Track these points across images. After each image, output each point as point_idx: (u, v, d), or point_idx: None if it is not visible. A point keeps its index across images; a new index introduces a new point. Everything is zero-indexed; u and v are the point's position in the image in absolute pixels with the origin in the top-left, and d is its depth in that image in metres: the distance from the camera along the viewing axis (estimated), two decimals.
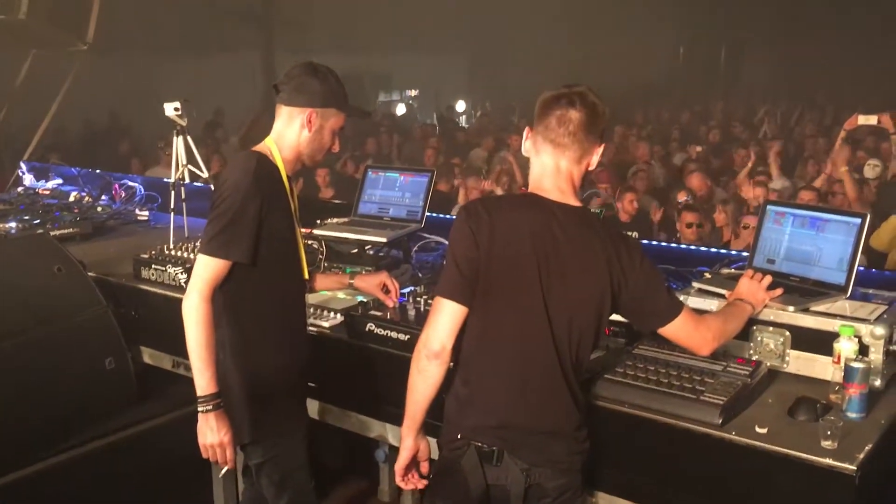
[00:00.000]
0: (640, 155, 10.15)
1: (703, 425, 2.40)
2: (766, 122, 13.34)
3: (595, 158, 2.42)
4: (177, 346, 3.04)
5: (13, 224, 4.65)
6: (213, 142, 10.75)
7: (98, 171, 5.91)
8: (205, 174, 4.17)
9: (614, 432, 2.57)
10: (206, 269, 2.64)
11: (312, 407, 3.22)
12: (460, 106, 18.63)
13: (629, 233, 3.46)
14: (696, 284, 2.98)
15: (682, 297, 2.88)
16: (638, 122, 14.15)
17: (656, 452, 2.52)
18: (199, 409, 2.67)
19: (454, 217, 2.57)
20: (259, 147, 2.79)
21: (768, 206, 3.06)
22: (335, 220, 3.97)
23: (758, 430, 2.35)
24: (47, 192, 5.65)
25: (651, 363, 2.67)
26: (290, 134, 2.77)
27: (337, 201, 6.26)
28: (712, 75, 20.52)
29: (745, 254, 3.34)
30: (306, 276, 2.94)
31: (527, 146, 2.46)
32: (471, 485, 2.39)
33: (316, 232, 3.86)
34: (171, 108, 3.93)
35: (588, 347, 2.42)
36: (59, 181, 5.85)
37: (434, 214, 4.07)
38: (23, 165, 6.40)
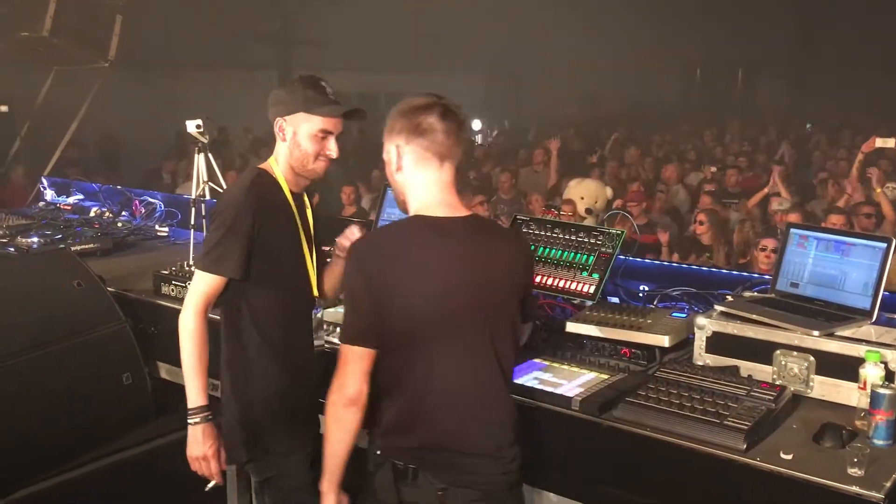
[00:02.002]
0: (667, 176, 10.09)
1: (726, 450, 2.37)
2: (786, 147, 13.26)
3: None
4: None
5: (35, 239, 4.68)
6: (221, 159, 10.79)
7: (119, 186, 5.95)
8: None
9: (635, 456, 2.54)
10: (200, 283, 2.69)
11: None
12: (476, 125, 18.67)
13: None
14: (717, 307, 2.96)
15: (704, 320, 2.90)
16: (655, 142, 14.17)
17: (678, 477, 2.49)
18: (188, 420, 2.71)
19: None
20: (264, 163, 2.82)
21: (791, 230, 3.05)
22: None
23: (783, 456, 2.33)
24: (68, 208, 5.69)
25: (673, 386, 2.64)
26: (279, 148, 2.78)
27: (354, 220, 6.25)
28: (729, 96, 20.50)
29: (766, 277, 3.33)
30: (316, 293, 2.90)
31: (401, 163, 2.35)
32: (382, 502, 2.37)
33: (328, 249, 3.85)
34: (192, 126, 3.95)
35: (511, 360, 2.42)
36: (80, 196, 5.89)
37: None
38: (44, 181, 6.45)
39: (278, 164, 2.78)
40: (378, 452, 2.38)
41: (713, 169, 10.71)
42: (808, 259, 2.97)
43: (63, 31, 8.08)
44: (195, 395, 2.70)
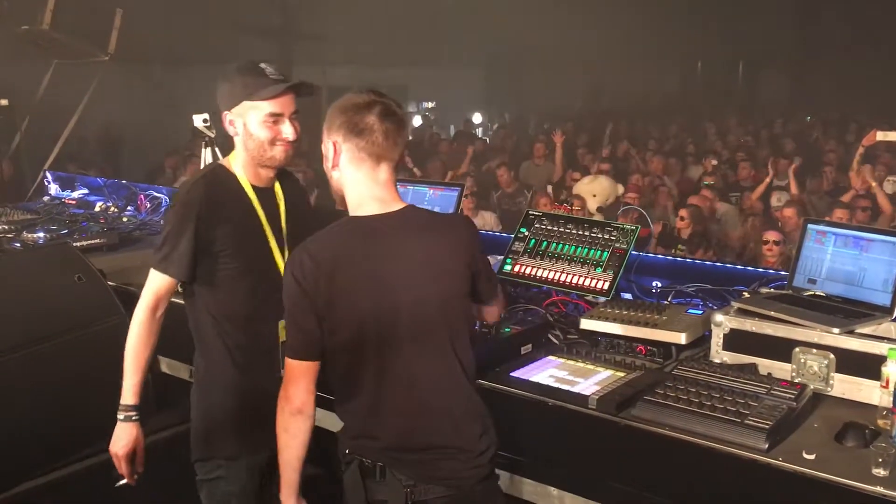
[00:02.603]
0: (655, 168, 10.11)
1: (747, 450, 2.33)
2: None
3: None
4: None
5: (41, 234, 4.65)
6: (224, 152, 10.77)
7: (124, 181, 5.91)
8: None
9: (653, 455, 2.51)
10: (152, 281, 2.69)
11: (331, 419, 3.18)
12: (477, 118, 18.65)
13: None
14: (735, 304, 2.92)
15: (721, 317, 2.86)
16: (655, 136, 14.12)
17: (698, 477, 2.46)
18: (117, 415, 2.73)
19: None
20: (224, 159, 2.78)
21: (808, 225, 3.01)
22: None
23: (805, 456, 2.29)
24: (73, 202, 5.66)
25: (692, 385, 2.61)
26: (236, 143, 2.70)
27: None
28: (730, 89, 20.45)
29: (783, 273, 3.29)
30: None
31: (337, 160, 2.31)
32: (351, 500, 2.38)
33: None
34: (199, 120, 3.90)
35: (468, 349, 2.40)
36: (85, 191, 5.85)
37: None
38: (48, 175, 6.41)
39: (237, 159, 2.70)
40: (347, 451, 2.41)
41: (714, 162, 10.71)
42: (826, 255, 2.93)
43: (63, 25, 8.06)
44: (127, 393, 2.71)
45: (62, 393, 3.55)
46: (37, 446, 3.40)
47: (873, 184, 7.71)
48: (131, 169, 11.16)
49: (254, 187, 2.70)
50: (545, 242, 3.40)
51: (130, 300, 3.79)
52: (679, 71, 20.67)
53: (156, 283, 2.67)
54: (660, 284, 3.52)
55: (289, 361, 2.31)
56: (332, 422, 3.21)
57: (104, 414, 3.47)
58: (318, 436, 3.36)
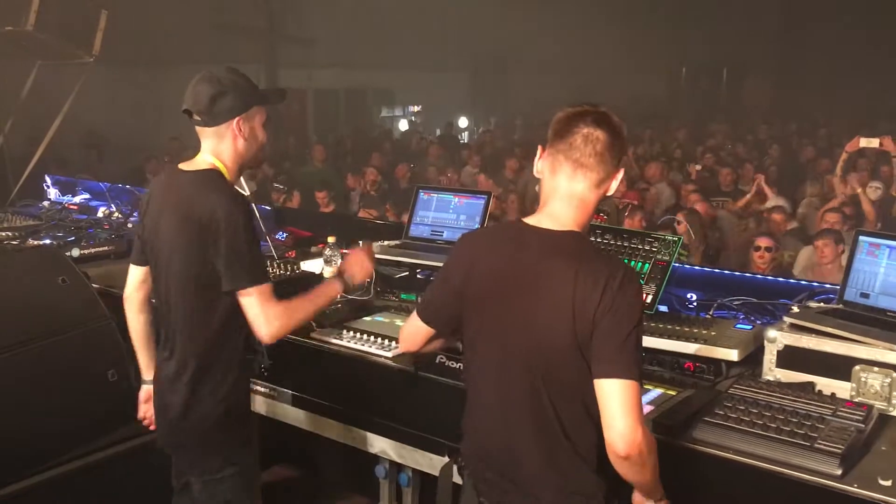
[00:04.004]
0: (652, 175, 10.02)
1: (819, 476, 2.22)
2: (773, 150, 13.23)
3: (614, 184, 2.21)
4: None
5: (47, 241, 4.47)
6: None
7: (128, 186, 5.73)
8: (246, 192, 3.98)
9: (716, 480, 2.39)
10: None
11: (315, 423, 3.26)
12: (462, 122, 18.54)
13: None
14: (787, 319, 2.81)
15: (775, 333, 2.75)
16: (645, 140, 14.09)
17: None
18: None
19: None
20: (207, 164, 2.70)
21: (861, 238, 2.91)
22: (386, 242, 3.81)
23: (881, 482, 2.18)
24: (75, 207, 5.47)
25: (752, 405, 2.49)
26: (225, 148, 2.71)
27: (378, 221, 6.10)
28: (714, 95, 20.51)
29: (827, 286, 3.20)
30: None
31: (539, 166, 2.26)
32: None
33: None
34: None
35: (575, 411, 2.15)
36: (87, 196, 5.66)
37: None
38: (47, 179, 6.22)
39: (225, 163, 2.71)
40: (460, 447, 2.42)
41: (698, 167, 10.65)
42: (879, 268, 2.83)
43: (47, 26, 7.83)
44: None
45: (46, 396, 3.51)
46: (22, 449, 3.37)
47: (859, 190, 7.76)
48: (115, 171, 10.94)
49: None
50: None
51: (115, 303, 3.73)
52: (664, 76, 20.65)
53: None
54: (695, 297, 3.42)
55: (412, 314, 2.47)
56: (363, 442, 3.15)
57: (89, 417, 3.61)
58: (347, 452, 3.33)
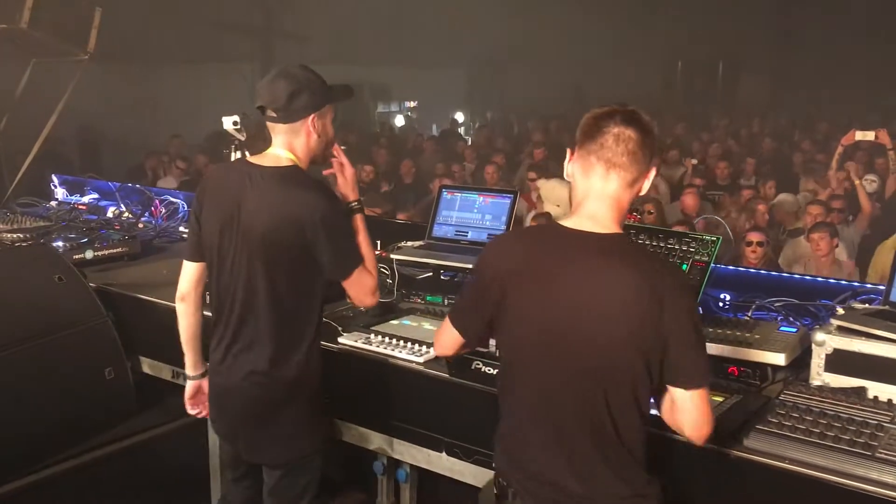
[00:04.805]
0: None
1: (883, 487, 2.14)
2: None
3: (647, 183, 2.18)
4: (176, 356, 3.10)
5: (60, 243, 4.35)
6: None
7: (138, 185, 5.63)
8: None
9: (771, 492, 2.31)
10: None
11: None
12: (459, 117, 18.46)
13: None
14: (834, 322, 2.73)
15: (823, 336, 2.68)
16: None
17: None
18: None
19: None
20: (287, 161, 2.71)
21: None
22: (409, 243, 3.73)
23: None
24: (84, 207, 5.36)
25: (806, 412, 2.41)
26: (299, 144, 2.75)
27: (399, 220, 6.00)
28: (710, 89, 20.47)
29: (868, 286, 3.12)
30: None
31: (570, 169, 2.22)
32: None
33: (393, 256, 3.63)
34: (229, 122, 3.64)
35: (635, 423, 2.14)
36: (96, 196, 5.56)
37: None
38: (55, 178, 6.13)
39: (299, 159, 2.75)
40: (494, 465, 2.37)
41: (694, 161, 10.62)
42: None
43: (42, 24, 7.74)
44: None
45: (43, 394, 3.54)
46: (20, 448, 3.41)
47: (857, 182, 7.74)
48: (112, 169, 10.84)
49: None
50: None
51: (112, 302, 3.92)
52: (660, 71, 20.59)
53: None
54: (728, 297, 3.34)
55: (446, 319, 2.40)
56: (361, 438, 3.19)
57: (87, 415, 3.66)
58: (346, 448, 3.32)
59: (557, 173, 8.02)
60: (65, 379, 3.64)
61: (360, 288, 2.77)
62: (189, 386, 3.06)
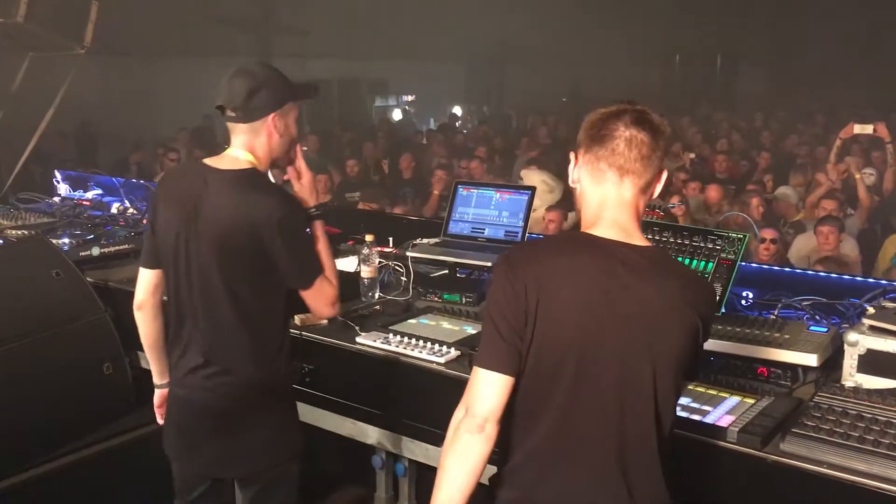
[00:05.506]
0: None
1: None
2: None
3: (659, 186, 2.06)
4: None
5: (66, 240, 4.28)
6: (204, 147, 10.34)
7: (142, 181, 5.55)
8: None
9: (808, 497, 2.25)
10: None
11: (313, 413, 3.19)
12: (457, 112, 18.41)
13: None
14: (866, 321, 2.67)
15: (856, 336, 2.62)
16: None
17: None
18: None
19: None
20: (245, 162, 2.57)
21: None
22: (425, 240, 3.67)
23: None
24: (87, 203, 5.29)
25: (842, 415, 2.35)
26: (260, 145, 2.60)
27: (412, 217, 5.92)
28: (708, 83, 20.42)
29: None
30: None
31: (577, 175, 2.06)
32: None
33: (409, 254, 3.57)
34: None
35: (670, 413, 2.04)
36: (99, 191, 5.48)
37: (536, 235, 3.77)
38: (58, 174, 6.05)
39: (259, 160, 2.61)
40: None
41: (691, 155, 10.55)
42: None
43: (38, 18, 7.64)
44: None
45: (41, 390, 3.53)
46: (18, 443, 3.40)
47: (857, 176, 7.71)
48: (108, 164, 10.76)
49: None
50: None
51: (110, 297, 3.89)
52: (658, 64, 20.53)
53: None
54: (750, 294, 3.28)
55: (475, 371, 1.98)
56: (359, 433, 3.16)
57: (85, 410, 3.65)
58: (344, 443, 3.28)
59: (551, 168, 8.02)
60: (63, 374, 3.62)
61: (321, 298, 2.62)
62: (157, 395, 2.95)
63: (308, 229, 2.66)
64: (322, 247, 2.67)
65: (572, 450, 1.99)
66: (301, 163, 2.75)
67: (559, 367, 1.95)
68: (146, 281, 2.75)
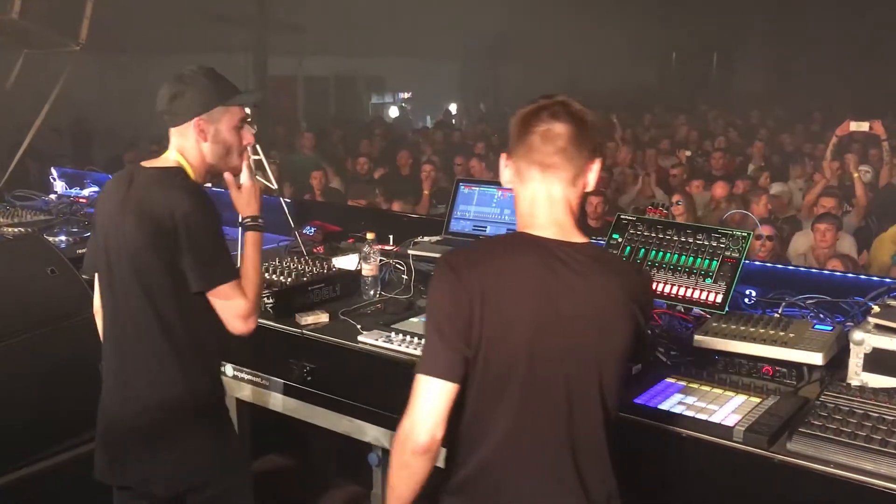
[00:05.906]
0: (623, 160, 9.87)
1: None
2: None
3: (592, 177, 2.01)
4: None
5: (62, 237, 4.29)
6: None
7: None
8: (274, 185, 3.80)
9: (816, 498, 2.23)
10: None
11: (311, 412, 3.19)
12: (453, 109, 18.40)
13: None
14: (872, 320, 2.65)
15: (862, 334, 2.60)
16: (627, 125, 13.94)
17: None
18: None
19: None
20: (170, 163, 2.57)
21: None
22: (426, 238, 3.64)
23: None
24: (84, 200, 5.28)
25: (849, 415, 2.33)
26: (189, 149, 2.59)
27: (412, 215, 5.90)
28: (704, 80, 20.43)
29: None
30: None
31: (507, 176, 2.05)
32: None
33: (410, 252, 3.54)
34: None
35: (615, 399, 2.05)
36: (95, 189, 5.46)
37: None
38: (54, 171, 6.01)
39: (191, 163, 2.59)
40: None
41: (688, 153, 10.54)
42: None
43: (33, 14, 7.59)
44: None
45: (39, 387, 3.53)
46: (15, 440, 3.39)
47: (855, 174, 7.72)
48: (103, 161, 10.72)
49: None
50: (642, 250, 3.10)
51: None
52: (654, 62, 20.54)
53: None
54: (754, 293, 3.26)
55: (418, 379, 1.96)
56: (355, 430, 3.13)
57: (81, 407, 3.40)
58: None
59: None
60: (59, 372, 3.60)
61: (228, 308, 2.49)
62: None
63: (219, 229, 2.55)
64: (249, 258, 2.61)
65: (527, 453, 1.97)
66: (246, 173, 2.70)
67: (509, 370, 1.93)
68: (96, 286, 2.74)
